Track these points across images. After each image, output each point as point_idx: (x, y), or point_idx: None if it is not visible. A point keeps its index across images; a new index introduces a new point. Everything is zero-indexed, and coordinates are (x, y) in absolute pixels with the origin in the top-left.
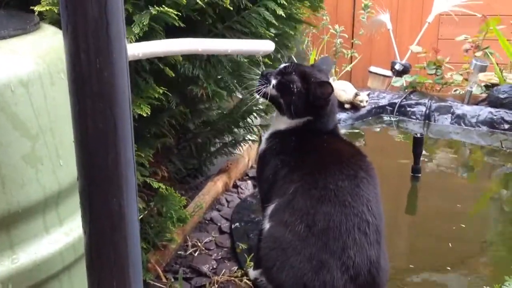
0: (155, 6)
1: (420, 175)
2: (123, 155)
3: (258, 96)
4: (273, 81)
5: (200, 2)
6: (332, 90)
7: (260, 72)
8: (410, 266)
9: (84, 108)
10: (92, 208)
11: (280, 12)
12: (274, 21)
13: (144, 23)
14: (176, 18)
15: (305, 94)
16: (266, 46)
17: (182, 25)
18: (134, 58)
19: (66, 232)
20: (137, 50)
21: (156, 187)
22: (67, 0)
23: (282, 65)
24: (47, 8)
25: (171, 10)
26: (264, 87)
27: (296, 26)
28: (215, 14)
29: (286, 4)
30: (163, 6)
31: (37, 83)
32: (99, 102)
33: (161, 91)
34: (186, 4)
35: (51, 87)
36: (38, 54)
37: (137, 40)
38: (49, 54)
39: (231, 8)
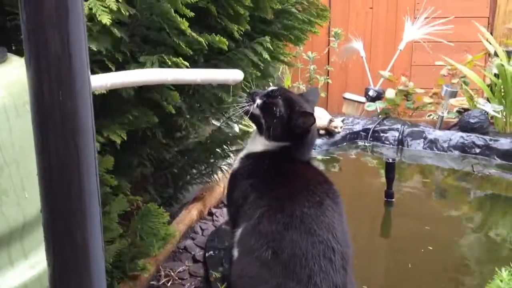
0: (169, 56)
1: (393, 199)
2: (86, 187)
3: (241, 113)
4: (258, 101)
5: (203, 43)
6: (314, 121)
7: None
8: None
9: (47, 140)
10: (55, 240)
11: (266, 56)
12: (259, 63)
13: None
14: (185, 68)
15: (286, 119)
16: (235, 75)
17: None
18: (102, 88)
19: (31, 265)
20: (105, 80)
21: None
22: (29, 33)
23: (270, 88)
24: None
25: (185, 62)
26: (248, 105)
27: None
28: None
29: (272, 48)
30: (176, 57)
31: (1, 115)
32: (62, 134)
33: (151, 120)
34: (188, 44)
35: (17, 119)
36: (3, 86)
37: None
38: (15, 86)
39: (226, 49)
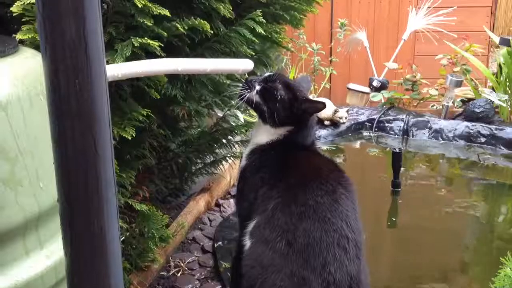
0: (137, 38)
1: (400, 189)
2: (103, 176)
3: (240, 102)
4: (257, 87)
5: (180, 29)
6: (321, 108)
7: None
8: (395, 279)
9: (64, 129)
10: (72, 230)
11: (260, 30)
12: (254, 39)
13: (127, 54)
14: (158, 48)
15: (288, 103)
16: (245, 64)
17: (163, 54)
18: (114, 79)
19: (47, 255)
20: (117, 70)
21: (138, 208)
22: (45, 21)
23: (267, 74)
24: (29, 35)
25: (154, 42)
26: (247, 92)
27: (275, 46)
28: (195, 39)
29: (265, 22)
30: (145, 38)
31: (16, 105)
32: (79, 123)
33: (144, 113)
34: (166, 31)
35: (31, 109)
36: (17, 77)
37: None
38: (28, 77)
39: (211, 32)
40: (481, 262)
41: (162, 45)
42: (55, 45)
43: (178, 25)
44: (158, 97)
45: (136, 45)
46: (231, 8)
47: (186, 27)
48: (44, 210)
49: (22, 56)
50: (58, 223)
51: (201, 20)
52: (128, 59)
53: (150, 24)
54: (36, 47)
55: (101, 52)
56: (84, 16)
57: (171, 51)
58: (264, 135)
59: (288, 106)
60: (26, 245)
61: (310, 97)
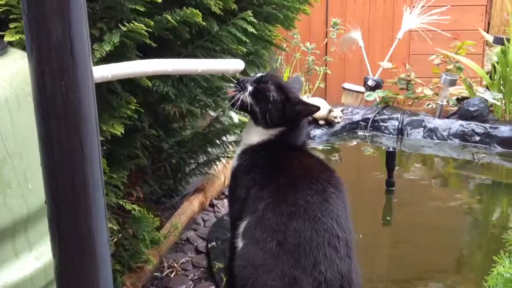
0: (125, 23)
1: (394, 188)
2: (90, 176)
3: (233, 106)
4: (250, 88)
5: (172, 21)
6: (314, 110)
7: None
8: (390, 277)
9: (50, 131)
10: (60, 231)
11: (251, 29)
12: (245, 38)
13: (115, 41)
14: (147, 35)
15: (280, 104)
16: (236, 65)
17: (153, 44)
18: (103, 80)
19: (36, 257)
20: (106, 71)
21: (129, 209)
22: (30, 23)
23: (259, 74)
24: (17, 37)
25: (141, 25)
26: (240, 94)
27: (267, 45)
28: (188, 33)
29: (256, 22)
30: (134, 22)
31: (3, 107)
32: (65, 124)
33: (133, 107)
34: (157, 24)
35: (18, 111)
36: (4, 78)
37: (109, 56)
38: (16, 78)
39: (204, 23)
40: (475, 260)
41: (152, 32)
42: (40, 46)
43: (169, 17)
44: (134, 101)
45: (124, 30)
46: (226, 4)
47: (178, 18)
48: (33, 211)
49: (11, 58)
50: (47, 224)
51: (193, 10)
52: (118, 48)
53: (141, 10)
54: (24, 48)
55: (87, 54)
56: (70, 17)
57: (163, 48)
58: (256, 135)
59: (281, 107)
60: (15, 247)
61: (305, 97)
